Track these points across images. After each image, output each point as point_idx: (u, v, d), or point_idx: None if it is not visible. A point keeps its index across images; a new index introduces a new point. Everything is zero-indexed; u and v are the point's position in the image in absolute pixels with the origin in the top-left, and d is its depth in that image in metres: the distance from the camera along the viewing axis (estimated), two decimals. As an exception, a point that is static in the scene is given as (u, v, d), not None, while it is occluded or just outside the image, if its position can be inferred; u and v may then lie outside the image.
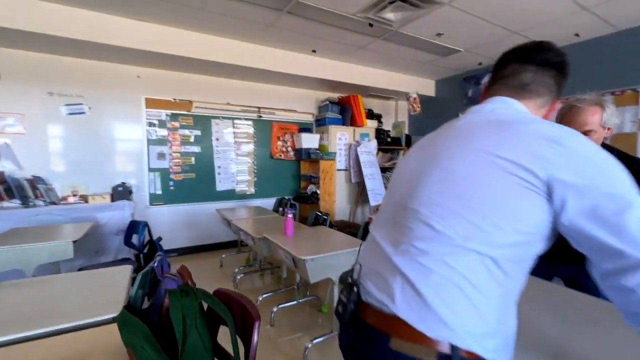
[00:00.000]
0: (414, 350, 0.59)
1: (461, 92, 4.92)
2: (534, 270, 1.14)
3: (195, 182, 4.10)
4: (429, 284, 0.60)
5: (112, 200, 3.42)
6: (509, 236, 0.59)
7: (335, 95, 5.02)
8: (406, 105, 5.77)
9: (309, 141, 4.59)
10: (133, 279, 1.57)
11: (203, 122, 4.11)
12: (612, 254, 0.54)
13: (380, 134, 5.16)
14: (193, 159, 4.08)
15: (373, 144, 4.84)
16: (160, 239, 2.68)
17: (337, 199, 4.60)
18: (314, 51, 3.86)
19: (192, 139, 4.06)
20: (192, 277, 1.02)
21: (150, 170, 3.84)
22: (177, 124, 3.95)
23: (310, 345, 2.02)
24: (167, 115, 3.89)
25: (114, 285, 1.45)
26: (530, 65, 0.76)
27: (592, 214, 0.54)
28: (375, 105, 5.49)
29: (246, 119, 4.41)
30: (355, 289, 0.71)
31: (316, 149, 4.60)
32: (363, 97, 4.93)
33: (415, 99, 4.76)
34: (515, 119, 0.68)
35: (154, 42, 3.13)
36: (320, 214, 3.20)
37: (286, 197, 4.27)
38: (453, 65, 4.55)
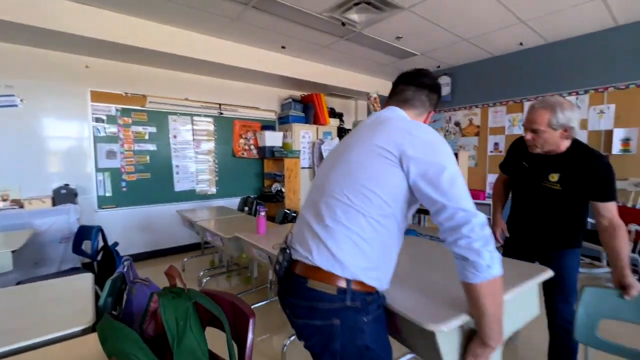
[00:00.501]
0: (321, 287, 0.86)
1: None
2: (517, 254, 1.52)
3: (151, 182, 3.82)
4: (334, 240, 0.87)
5: (54, 204, 3.05)
6: (385, 197, 0.86)
7: (297, 94, 5.03)
8: (365, 104, 5.99)
9: (273, 139, 4.54)
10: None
11: (158, 119, 3.84)
12: (434, 202, 0.82)
13: (341, 133, 5.27)
14: (148, 157, 3.79)
15: (335, 142, 4.93)
16: (116, 244, 2.47)
17: (302, 196, 4.61)
18: (283, 47, 3.81)
19: (146, 137, 3.77)
20: (182, 277, 0.97)
21: (99, 170, 3.49)
22: (129, 120, 3.64)
23: (288, 343, 2.01)
24: (117, 110, 3.57)
25: (77, 296, 1.31)
26: (411, 86, 1.03)
27: (424, 177, 0.83)
28: (336, 104, 5.60)
29: (206, 116, 4.21)
30: (288, 251, 0.97)
31: (280, 147, 4.57)
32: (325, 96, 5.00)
33: (375, 98, 4.94)
34: (390, 119, 0.97)
35: (101, 30, 2.85)
36: (288, 211, 3.19)
37: (251, 196, 4.17)
38: (409, 68, 4.81)
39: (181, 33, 3.28)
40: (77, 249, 2.52)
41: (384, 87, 5.47)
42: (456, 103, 4.80)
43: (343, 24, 3.12)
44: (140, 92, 3.69)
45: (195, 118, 4.12)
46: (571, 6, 2.90)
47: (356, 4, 2.84)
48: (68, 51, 3.20)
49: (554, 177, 1.50)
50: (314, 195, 0.99)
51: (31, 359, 0.90)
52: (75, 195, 3.22)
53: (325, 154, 4.69)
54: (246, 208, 3.79)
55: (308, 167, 4.81)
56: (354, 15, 3.05)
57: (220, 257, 3.53)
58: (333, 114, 5.21)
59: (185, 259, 3.62)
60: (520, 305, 1.10)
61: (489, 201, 4.16)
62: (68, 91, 3.27)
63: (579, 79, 3.61)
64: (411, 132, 0.88)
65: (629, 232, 2.81)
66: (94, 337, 1.02)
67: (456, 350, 0.91)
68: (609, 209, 1.36)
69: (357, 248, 0.86)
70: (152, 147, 3.81)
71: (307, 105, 4.83)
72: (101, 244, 2.46)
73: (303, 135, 4.72)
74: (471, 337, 0.90)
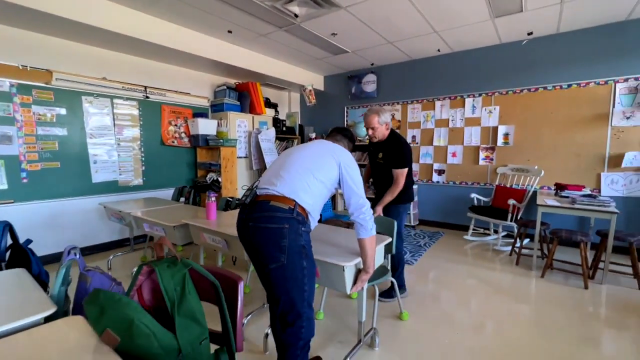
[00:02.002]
0: (279, 204, 1.35)
1: (346, 88, 5.62)
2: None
3: (61, 172, 3.30)
4: (292, 180, 1.41)
5: None
6: (325, 175, 1.46)
7: (231, 81, 4.89)
8: (298, 96, 6.15)
9: (207, 127, 4.34)
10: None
11: (69, 99, 3.32)
12: (351, 191, 1.47)
13: (277, 123, 5.34)
14: (57, 143, 3.26)
15: (272, 132, 4.98)
16: (29, 241, 2.14)
17: (239, 186, 4.55)
18: (230, 32, 3.66)
19: (54, 119, 3.23)
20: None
21: (-12, 158, 2.87)
22: (29, 99, 3.07)
23: (245, 322, 2.08)
24: (12, 85, 2.97)
25: (21, 289, 1.17)
26: (339, 134, 1.75)
27: (347, 174, 1.48)
28: (270, 94, 5.62)
29: (129, 99, 3.80)
30: (254, 189, 1.47)
31: (214, 136, 4.40)
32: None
33: (310, 91, 5.14)
34: (331, 143, 1.62)
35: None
36: (231, 199, 3.17)
37: (187, 187, 3.94)
38: (340, 64, 5.14)
39: (98, 1, 2.89)
40: (-27, 250, 2.08)
41: (316, 80, 5.71)
42: (381, 99, 5.33)
43: (295, 15, 3.19)
44: (43, 67, 3.13)
45: (116, 101, 3.67)
46: (468, 24, 3.55)
47: (298, -3, 2.95)
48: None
49: (380, 155, 2.41)
50: (279, 167, 1.50)
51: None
52: (-43, 188, 2.60)
53: (262, 144, 4.71)
54: (182, 199, 3.58)
55: (244, 157, 4.76)
56: (294, 8, 3.16)
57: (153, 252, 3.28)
58: (268, 104, 5.23)
59: (111, 257, 3.26)
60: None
61: (409, 186, 4.80)
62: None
63: (475, 84, 4.42)
64: (345, 152, 1.56)
65: (508, 205, 3.64)
66: (65, 322, 0.96)
67: (351, 279, 1.58)
68: (397, 173, 2.31)
69: (305, 189, 1.40)
70: (61, 131, 3.28)
71: (242, 93, 4.75)
72: (9, 242, 2.09)
73: (239, 124, 4.64)
74: (359, 272, 1.59)
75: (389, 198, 2.31)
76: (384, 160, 2.38)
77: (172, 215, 2.58)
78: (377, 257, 1.77)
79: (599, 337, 2.03)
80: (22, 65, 3.01)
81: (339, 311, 2.34)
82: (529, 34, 3.81)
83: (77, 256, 1.30)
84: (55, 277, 1.19)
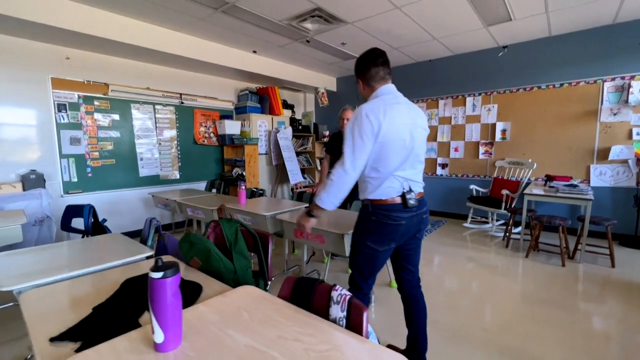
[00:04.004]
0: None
1: (356, 89, 6.05)
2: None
3: (115, 168, 3.98)
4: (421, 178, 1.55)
5: (24, 189, 3.12)
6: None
7: (253, 86, 5.46)
8: (313, 97, 6.66)
9: (232, 127, 4.94)
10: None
11: (121, 107, 3.99)
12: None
13: (293, 122, 5.88)
14: (112, 144, 3.94)
15: (289, 131, 5.53)
16: (105, 220, 2.80)
17: (260, 179, 5.14)
18: (254, 52, 4.28)
19: (110, 124, 3.91)
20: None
21: (63, 156, 3.57)
22: (92, 107, 3.75)
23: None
24: (79, 97, 3.65)
25: (123, 243, 1.76)
26: (387, 65, 1.59)
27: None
28: (287, 96, 6.16)
29: (168, 105, 4.44)
30: (412, 191, 1.46)
31: (239, 135, 5.00)
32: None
33: (323, 93, 5.64)
34: (405, 99, 1.56)
35: (65, 20, 2.99)
36: (255, 189, 3.74)
37: (218, 179, 4.56)
38: (351, 67, 5.60)
39: (145, 26, 3.51)
40: (66, 226, 2.75)
41: (330, 82, 6.20)
42: (389, 99, 5.75)
43: (308, 41, 3.73)
44: (102, 81, 3.80)
45: (157, 107, 4.33)
46: (464, 32, 3.94)
47: (311, 17, 3.46)
48: (26, 37, 3.22)
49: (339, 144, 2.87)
50: (413, 158, 1.48)
51: (119, 271, 1.40)
52: (44, 180, 3.30)
53: (281, 142, 5.27)
54: (214, 189, 4.19)
55: (265, 153, 5.33)
56: (308, 25, 3.67)
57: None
58: (285, 105, 5.77)
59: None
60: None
61: (414, 179, 5.23)
62: (27, 78, 3.29)
63: (475, 84, 4.78)
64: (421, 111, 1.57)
65: (502, 195, 4.03)
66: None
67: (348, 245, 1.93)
68: None
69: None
70: (115, 134, 3.96)
71: (262, 96, 5.31)
72: (91, 220, 2.75)
73: (260, 125, 5.22)
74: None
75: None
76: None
77: (208, 202, 3.17)
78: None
79: (561, 302, 2.46)
80: (86, 80, 3.69)
81: (341, 278, 2.87)
82: (504, 47, 4.24)
83: (159, 223, 1.89)
84: (148, 235, 1.78)
